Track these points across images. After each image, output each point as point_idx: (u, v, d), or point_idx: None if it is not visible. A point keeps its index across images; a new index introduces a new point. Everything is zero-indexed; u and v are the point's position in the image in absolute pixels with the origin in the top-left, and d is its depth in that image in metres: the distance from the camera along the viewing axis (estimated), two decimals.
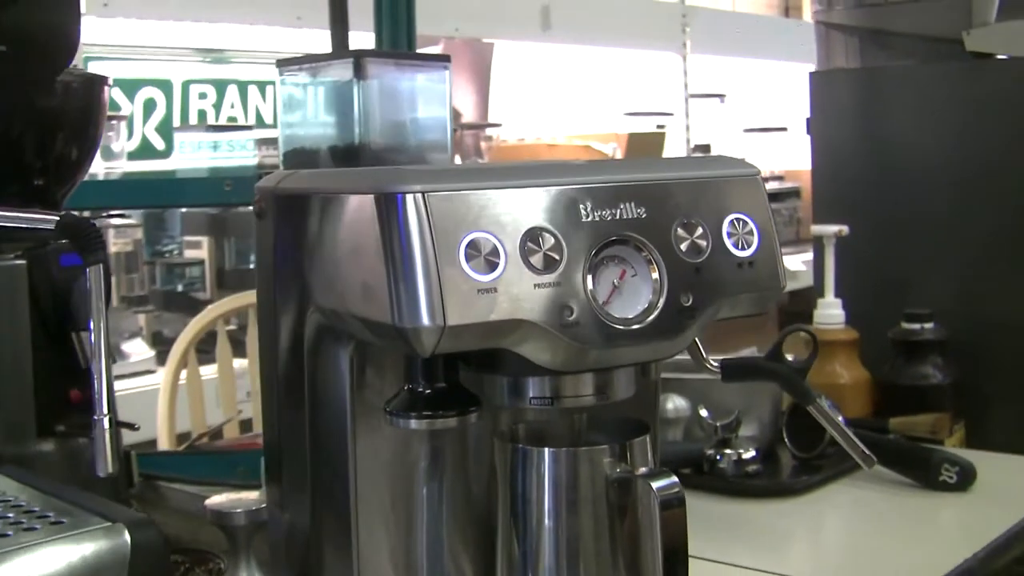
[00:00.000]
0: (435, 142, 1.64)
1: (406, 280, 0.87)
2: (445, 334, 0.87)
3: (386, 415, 0.99)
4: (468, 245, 0.88)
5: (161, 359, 3.38)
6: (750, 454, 1.72)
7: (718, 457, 1.72)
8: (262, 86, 4.88)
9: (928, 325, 2.02)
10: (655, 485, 0.95)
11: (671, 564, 0.95)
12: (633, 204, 0.95)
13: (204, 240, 4.04)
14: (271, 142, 4.53)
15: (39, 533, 0.91)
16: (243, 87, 4.81)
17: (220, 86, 4.75)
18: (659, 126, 5.54)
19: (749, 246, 1.01)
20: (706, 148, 5.89)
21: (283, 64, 1.63)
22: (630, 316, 0.94)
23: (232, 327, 3.40)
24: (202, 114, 4.68)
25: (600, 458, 1.00)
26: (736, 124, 6.12)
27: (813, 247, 2.22)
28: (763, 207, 1.03)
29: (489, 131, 5.15)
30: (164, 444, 2.76)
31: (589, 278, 0.93)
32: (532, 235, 0.90)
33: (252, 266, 4.52)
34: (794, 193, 5.11)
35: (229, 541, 1.27)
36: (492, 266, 0.88)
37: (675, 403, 1.80)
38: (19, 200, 1.33)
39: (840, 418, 1.19)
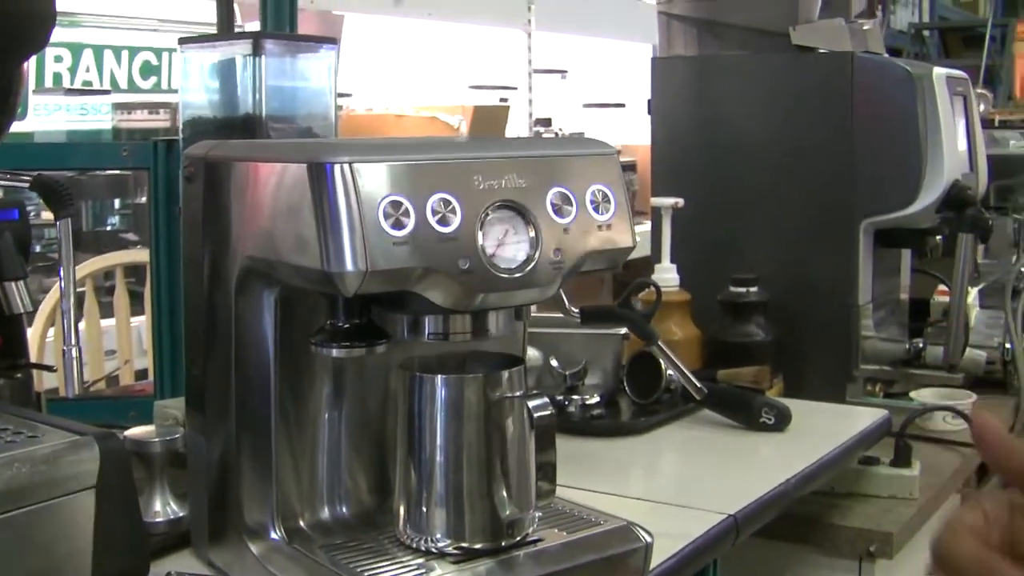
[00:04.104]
0: (321, 115, 1.82)
1: (334, 234, 1.05)
2: (367, 278, 1.06)
3: (312, 345, 1.17)
4: (386, 206, 1.07)
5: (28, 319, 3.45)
6: (595, 399, 1.92)
7: (566, 402, 1.91)
8: (117, 51, 4.91)
9: (752, 289, 2.23)
10: (530, 404, 1.16)
11: (543, 469, 1.16)
12: (516, 175, 1.15)
13: None
14: (126, 107, 4.59)
15: (20, 445, 1.05)
16: (99, 51, 4.84)
17: (75, 50, 4.77)
18: (502, 99, 5.71)
19: (607, 212, 1.22)
20: (548, 122, 6.06)
21: (185, 41, 1.78)
22: (512, 267, 1.15)
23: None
24: (57, 77, 4.70)
25: (483, 383, 1.20)
26: (576, 99, 6.33)
27: (651, 217, 2.39)
28: (619, 180, 1.24)
29: (339, 101, 5.22)
30: None
31: (480, 235, 1.12)
32: (436, 199, 1.10)
33: (108, 228, 4.60)
34: (631, 167, 5.22)
35: (145, 469, 1.43)
36: (404, 224, 1.08)
37: (529, 354, 1.98)
38: None
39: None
